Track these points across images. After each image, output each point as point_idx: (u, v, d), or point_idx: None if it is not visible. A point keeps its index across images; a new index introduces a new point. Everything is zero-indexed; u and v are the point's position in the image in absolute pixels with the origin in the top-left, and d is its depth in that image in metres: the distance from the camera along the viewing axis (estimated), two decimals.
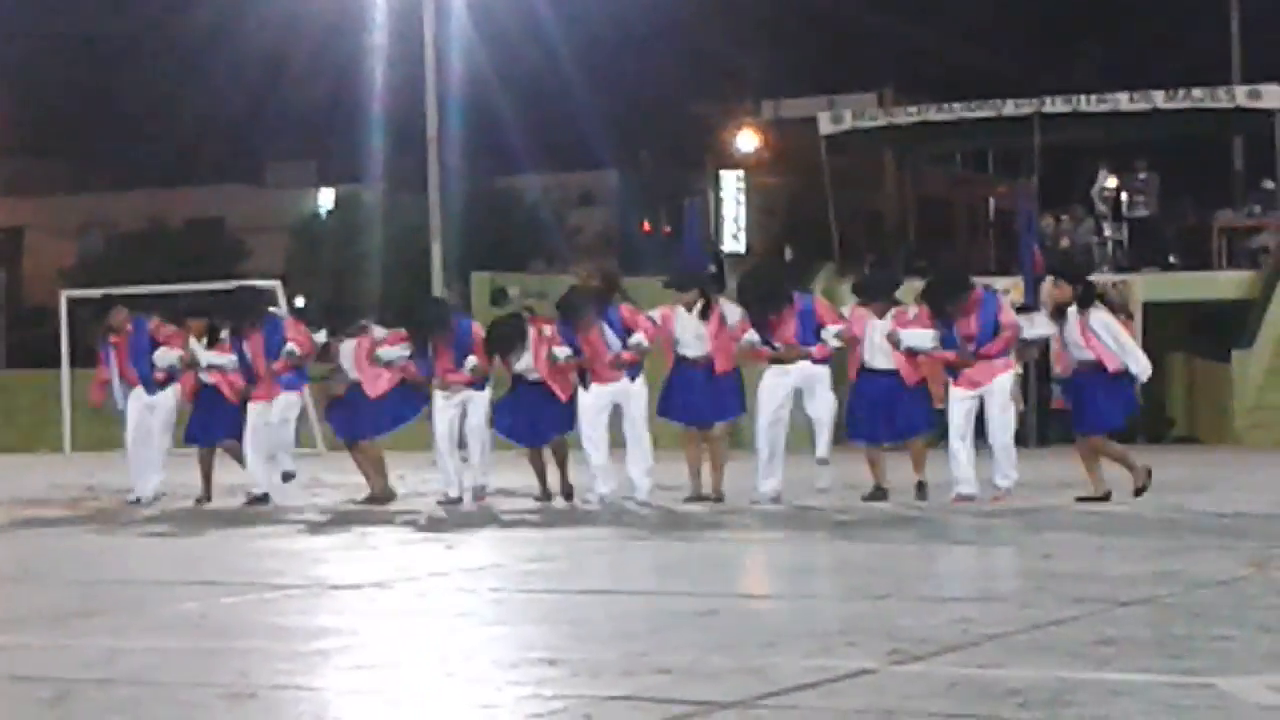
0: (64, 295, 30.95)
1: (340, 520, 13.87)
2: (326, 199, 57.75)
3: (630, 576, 9.89)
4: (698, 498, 14.86)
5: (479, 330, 15.45)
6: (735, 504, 14.44)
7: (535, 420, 15.14)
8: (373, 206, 48.63)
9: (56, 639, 7.66)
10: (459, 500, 15.18)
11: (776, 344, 14.56)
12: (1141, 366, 13.85)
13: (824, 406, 14.68)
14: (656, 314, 14.96)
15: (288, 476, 15.86)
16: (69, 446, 29.87)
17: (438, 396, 15.29)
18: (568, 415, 15.02)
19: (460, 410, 15.27)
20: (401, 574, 9.93)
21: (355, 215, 50.19)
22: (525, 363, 14.99)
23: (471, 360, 15.04)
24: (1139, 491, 13.99)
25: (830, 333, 14.57)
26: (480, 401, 15.31)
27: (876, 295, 14.81)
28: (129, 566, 11.10)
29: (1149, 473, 14.05)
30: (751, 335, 14.60)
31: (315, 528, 13.17)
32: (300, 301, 26.54)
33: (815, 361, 14.56)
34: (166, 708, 5.95)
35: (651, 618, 7.82)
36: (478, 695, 6.02)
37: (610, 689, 5.98)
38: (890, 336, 14.25)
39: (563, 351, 14.70)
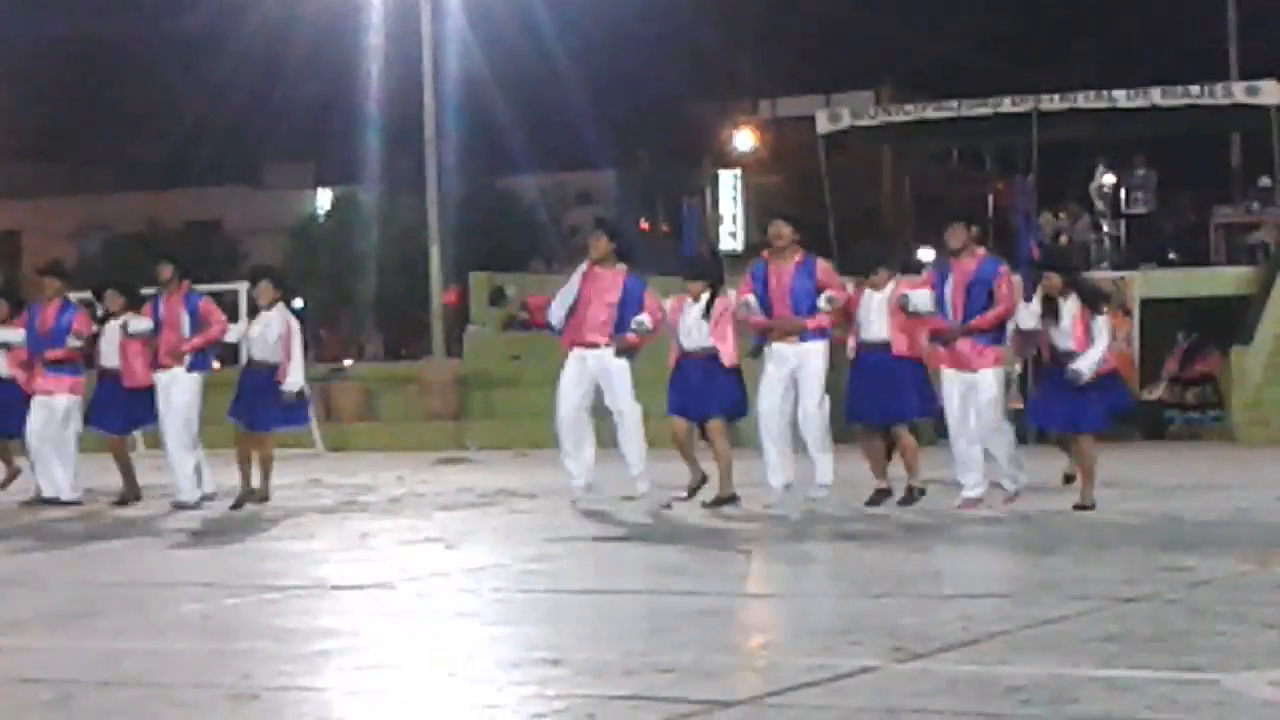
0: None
1: (340, 521, 13.84)
2: (324, 200, 57.72)
3: (632, 576, 9.88)
4: (696, 490, 14.34)
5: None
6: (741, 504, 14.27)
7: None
8: (370, 208, 48.64)
9: (59, 641, 7.67)
10: None
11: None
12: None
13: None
14: (668, 303, 14.55)
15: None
16: None
17: None
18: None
19: None
20: (403, 574, 9.92)
21: (353, 216, 50.19)
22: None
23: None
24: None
25: (825, 298, 13.77)
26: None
27: (863, 268, 14.28)
28: (130, 569, 11.09)
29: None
30: (750, 298, 13.98)
31: (316, 528, 13.15)
32: (299, 303, 26.46)
33: (810, 333, 13.86)
34: (169, 709, 5.96)
35: (653, 617, 7.83)
36: (480, 695, 6.03)
37: (613, 689, 5.99)
38: (900, 300, 13.47)
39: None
